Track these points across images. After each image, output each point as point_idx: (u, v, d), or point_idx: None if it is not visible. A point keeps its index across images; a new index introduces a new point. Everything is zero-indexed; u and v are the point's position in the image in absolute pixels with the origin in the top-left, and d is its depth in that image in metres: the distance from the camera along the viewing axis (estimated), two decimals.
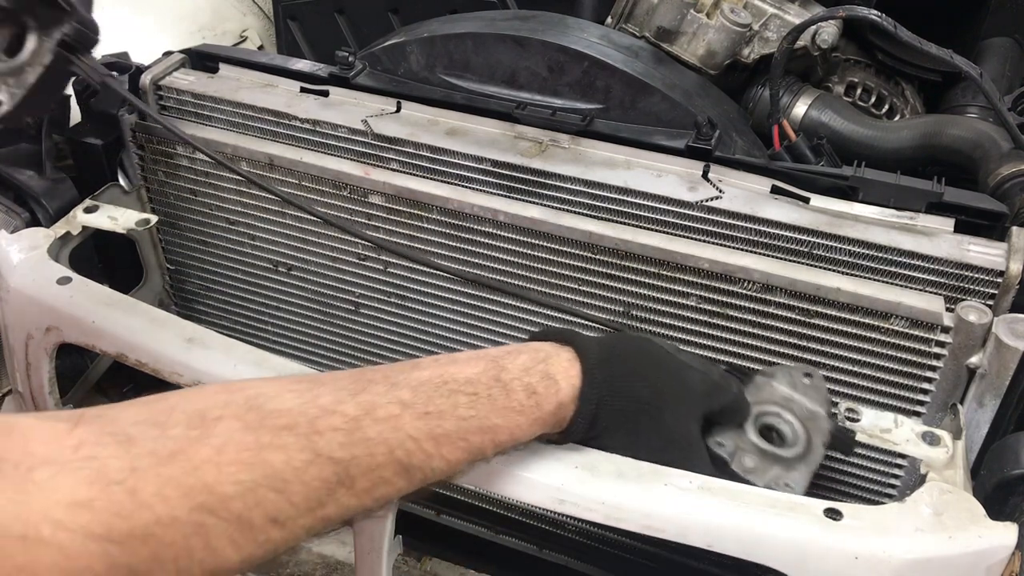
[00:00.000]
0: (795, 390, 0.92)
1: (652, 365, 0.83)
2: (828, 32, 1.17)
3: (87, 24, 0.97)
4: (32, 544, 0.53)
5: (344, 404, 0.70)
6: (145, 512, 0.58)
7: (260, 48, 1.82)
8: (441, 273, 1.16)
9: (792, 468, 0.86)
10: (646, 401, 0.81)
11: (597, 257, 1.07)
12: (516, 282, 1.13)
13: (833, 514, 0.77)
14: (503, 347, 0.81)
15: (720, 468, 0.85)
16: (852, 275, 0.98)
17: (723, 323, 1.05)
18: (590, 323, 1.11)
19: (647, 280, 1.06)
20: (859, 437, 0.83)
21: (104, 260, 1.31)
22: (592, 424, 0.80)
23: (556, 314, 1.13)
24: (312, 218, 1.20)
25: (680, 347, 0.89)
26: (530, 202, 1.08)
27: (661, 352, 0.85)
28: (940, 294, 0.95)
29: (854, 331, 0.98)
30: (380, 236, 1.18)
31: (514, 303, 1.15)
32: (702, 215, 1.01)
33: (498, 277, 1.14)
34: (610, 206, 1.05)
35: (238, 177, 1.23)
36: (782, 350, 1.03)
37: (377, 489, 0.70)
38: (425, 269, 1.18)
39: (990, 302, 0.93)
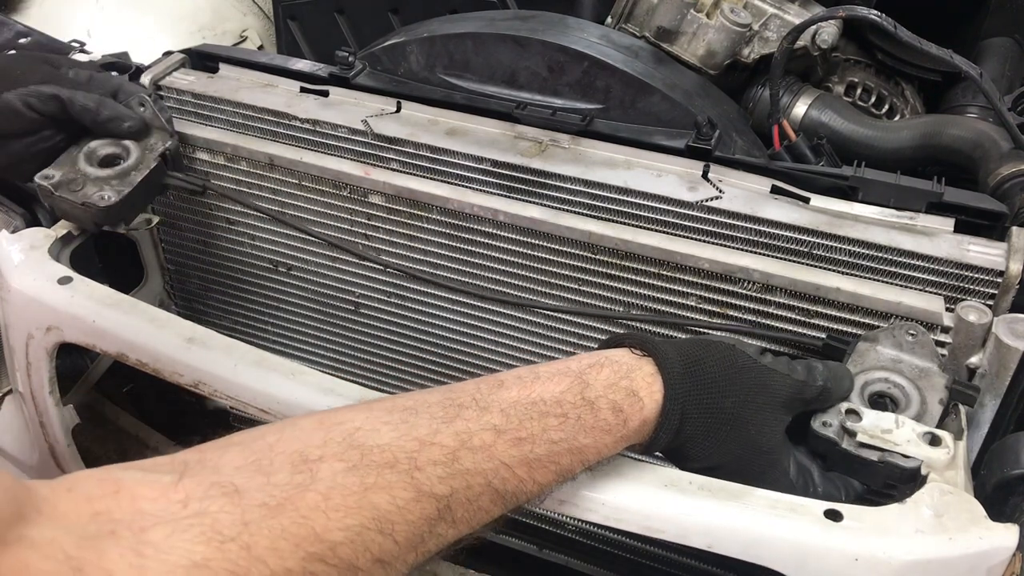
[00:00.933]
0: (901, 350, 0.90)
1: (735, 374, 0.82)
2: (828, 32, 1.17)
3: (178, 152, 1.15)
4: None
5: (440, 435, 0.70)
6: (260, 567, 0.58)
7: (260, 48, 1.82)
8: (449, 286, 1.16)
9: None
10: (729, 412, 0.81)
11: (597, 257, 1.07)
12: (516, 282, 1.13)
13: (833, 515, 0.77)
14: (580, 358, 0.81)
15: (828, 449, 0.84)
16: (852, 275, 0.98)
17: (723, 323, 1.04)
18: (591, 322, 1.11)
19: (647, 280, 1.06)
20: (859, 438, 0.83)
21: (104, 260, 1.31)
22: (675, 436, 0.80)
23: (549, 321, 1.13)
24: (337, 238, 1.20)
25: (762, 349, 0.88)
26: (530, 202, 1.08)
27: (743, 359, 0.83)
28: (940, 294, 0.95)
29: (854, 331, 0.98)
30: (385, 248, 1.18)
31: (513, 303, 1.15)
32: (702, 215, 1.01)
33: (497, 277, 1.14)
34: (610, 206, 1.05)
35: (238, 179, 1.23)
36: (782, 350, 1.03)
37: (474, 518, 0.70)
38: (425, 270, 1.18)
39: (990, 302, 0.93)
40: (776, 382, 0.84)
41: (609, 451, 0.77)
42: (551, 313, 1.13)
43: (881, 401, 0.88)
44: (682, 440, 0.80)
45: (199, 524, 0.57)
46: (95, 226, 1.09)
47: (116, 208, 1.06)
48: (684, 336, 1.07)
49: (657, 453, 0.84)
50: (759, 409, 0.82)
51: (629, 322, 1.09)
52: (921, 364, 0.89)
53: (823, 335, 0.99)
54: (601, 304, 1.10)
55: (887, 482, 0.83)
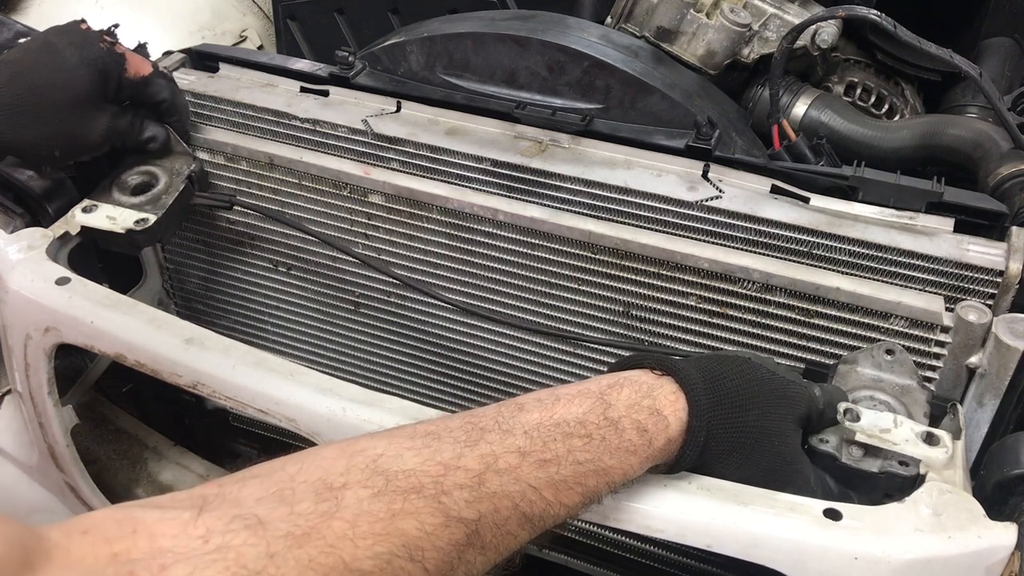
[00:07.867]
0: (880, 369, 0.92)
1: (755, 387, 0.82)
2: (828, 32, 1.17)
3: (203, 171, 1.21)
4: None
5: (465, 458, 0.69)
6: None
7: (260, 48, 1.82)
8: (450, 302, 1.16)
9: None
10: (753, 425, 0.80)
11: (597, 257, 1.07)
12: (516, 282, 1.13)
13: (832, 515, 0.77)
14: (598, 379, 0.80)
15: (828, 464, 0.84)
16: (852, 275, 0.98)
17: (723, 323, 1.04)
18: (589, 335, 1.11)
19: (647, 280, 1.06)
20: (858, 437, 0.83)
21: (103, 260, 1.31)
22: (701, 454, 0.79)
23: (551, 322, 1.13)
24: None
25: (777, 361, 0.88)
26: (530, 202, 1.08)
27: (762, 372, 0.83)
28: (940, 294, 0.95)
29: (854, 331, 0.98)
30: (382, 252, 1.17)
31: (514, 303, 1.15)
32: (702, 215, 1.01)
33: (497, 277, 1.14)
34: (610, 206, 1.05)
35: (238, 178, 1.23)
36: (782, 350, 1.03)
37: (503, 544, 0.69)
38: (425, 269, 1.18)
39: (990, 302, 0.93)
40: (796, 393, 0.84)
41: (635, 472, 0.76)
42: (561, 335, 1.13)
43: None
44: (707, 458, 0.80)
45: (222, 559, 0.56)
46: (137, 249, 1.17)
47: (155, 230, 1.11)
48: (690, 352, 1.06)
49: None
50: (781, 420, 0.82)
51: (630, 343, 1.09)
52: (901, 382, 0.92)
53: (803, 365, 1.01)
54: (601, 304, 1.10)
55: (887, 492, 0.83)
